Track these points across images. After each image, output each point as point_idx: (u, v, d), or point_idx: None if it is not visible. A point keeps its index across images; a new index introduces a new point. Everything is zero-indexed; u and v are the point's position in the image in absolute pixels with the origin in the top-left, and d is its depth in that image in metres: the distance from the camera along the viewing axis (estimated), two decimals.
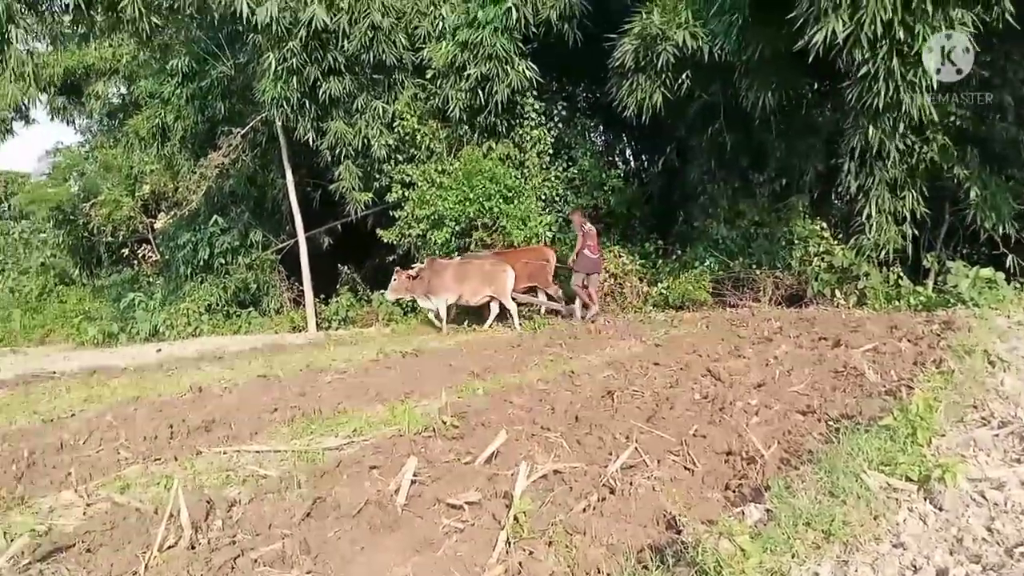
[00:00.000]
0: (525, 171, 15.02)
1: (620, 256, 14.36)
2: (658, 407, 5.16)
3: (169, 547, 3.06)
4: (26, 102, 18.25)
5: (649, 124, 13.43)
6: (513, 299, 13.19)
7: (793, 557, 2.48)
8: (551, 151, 15.19)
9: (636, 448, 4.04)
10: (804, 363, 6.55)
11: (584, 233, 13.12)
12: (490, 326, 13.41)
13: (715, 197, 14.35)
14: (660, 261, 14.66)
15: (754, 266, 13.01)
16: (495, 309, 13.54)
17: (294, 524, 3.24)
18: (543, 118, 14.99)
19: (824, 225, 12.52)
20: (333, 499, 3.48)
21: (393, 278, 13.86)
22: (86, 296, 21.26)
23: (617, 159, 19.35)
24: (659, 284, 13.91)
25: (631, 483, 3.54)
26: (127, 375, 9.31)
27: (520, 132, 15.05)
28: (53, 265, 23.99)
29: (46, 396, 7.86)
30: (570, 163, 15.49)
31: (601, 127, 18.31)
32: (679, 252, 14.65)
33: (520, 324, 13.25)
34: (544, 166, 15.19)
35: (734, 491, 3.55)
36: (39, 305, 22.05)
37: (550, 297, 13.96)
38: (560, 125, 15.43)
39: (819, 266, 12.16)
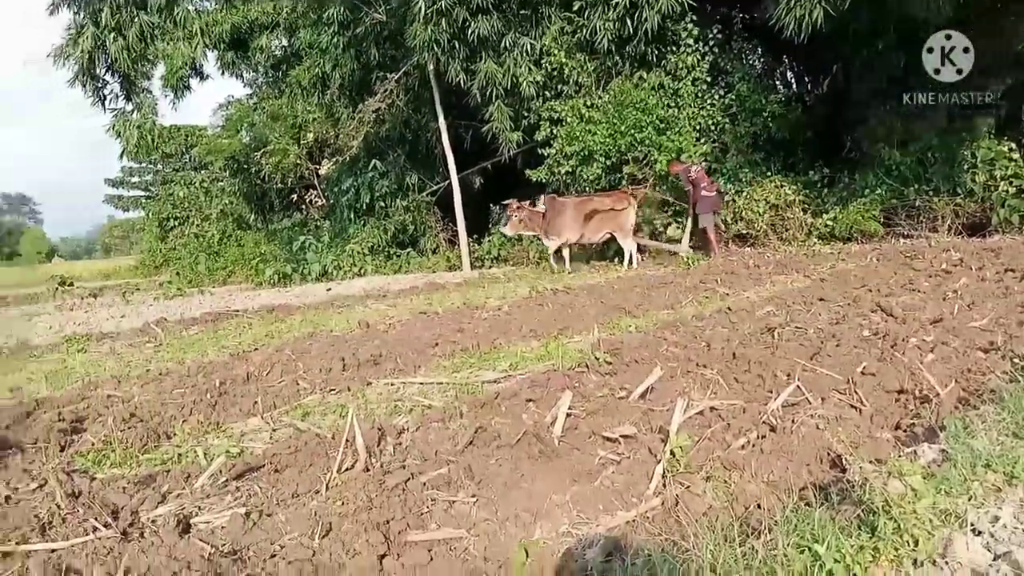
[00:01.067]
0: (679, 100, 14.51)
1: (782, 186, 13.67)
2: (823, 344, 4.93)
3: (346, 469, 3.29)
4: (199, 59, 19.54)
5: (811, 43, 12.51)
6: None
7: (970, 499, 2.33)
8: (707, 78, 14.55)
9: (798, 386, 3.89)
10: (987, 297, 6.04)
11: (693, 181, 12.95)
12: (631, 263, 13.27)
13: (887, 119, 13.27)
14: (825, 190, 13.83)
15: (931, 193, 12.00)
16: (631, 247, 13.37)
17: (458, 451, 3.39)
18: (697, 43, 14.35)
19: (1013, 146, 11.32)
20: (493, 429, 3.61)
21: (511, 213, 13.77)
22: (261, 240, 22.83)
23: (778, 83, 18.23)
24: (824, 215, 13.18)
25: (793, 421, 3.42)
26: (301, 312, 10.02)
27: (673, 60, 14.50)
28: (231, 211, 25.90)
29: (232, 332, 8.62)
30: (727, 89, 14.77)
31: (760, 49, 17.26)
32: (846, 180, 13.74)
33: (637, 263, 13.09)
34: (699, 94, 14.59)
35: (905, 431, 3.36)
36: (220, 249, 23.95)
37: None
38: (715, 50, 14.68)
39: (1006, 191, 11.06)
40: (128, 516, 2.89)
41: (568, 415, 3.65)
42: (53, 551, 2.55)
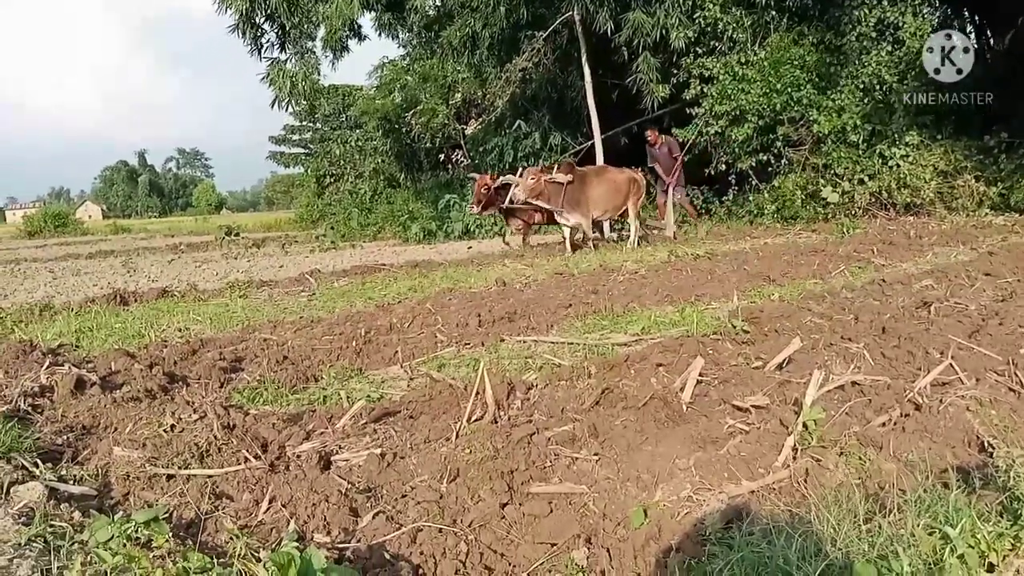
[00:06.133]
0: (841, 57, 13.64)
1: (952, 151, 12.62)
2: (984, 322, 4.59)
3: (476, 419, 3.41)
4: (358, 20, 20.16)
5: None
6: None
7: None
8: (872, 33, 13.54)
9: (951, 364, 3.64)
10: None
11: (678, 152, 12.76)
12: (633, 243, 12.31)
13: None
14: (1003, 156, 12.64)
15: None
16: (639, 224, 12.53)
17: (583, 410, 3.43)
18: None
19: None
20: (620, 391, 3.62)
21: (527, 176, 11.23)
22: (410, 198, 23.50)
23: None
24: (999, 184, 12.11)
25: (941, 401, 3.22)
26: (443, 269, 10.34)
27: (836, 13, 13.59)
28: (382, 170, 26.78)
29: (378, 285, 9.03)
30: (895, 45, 13.67)
31: (936, 1, 15.85)
32: None
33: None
34: (864, 50, 13.61)
35: None
36: (372, 205, 24.89)
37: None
38: (883, 2, 13.63)
39: None
40: (276, 450, 3.15)
41: (698, 382, 3.60)
42: (209, 477, 2.83)
